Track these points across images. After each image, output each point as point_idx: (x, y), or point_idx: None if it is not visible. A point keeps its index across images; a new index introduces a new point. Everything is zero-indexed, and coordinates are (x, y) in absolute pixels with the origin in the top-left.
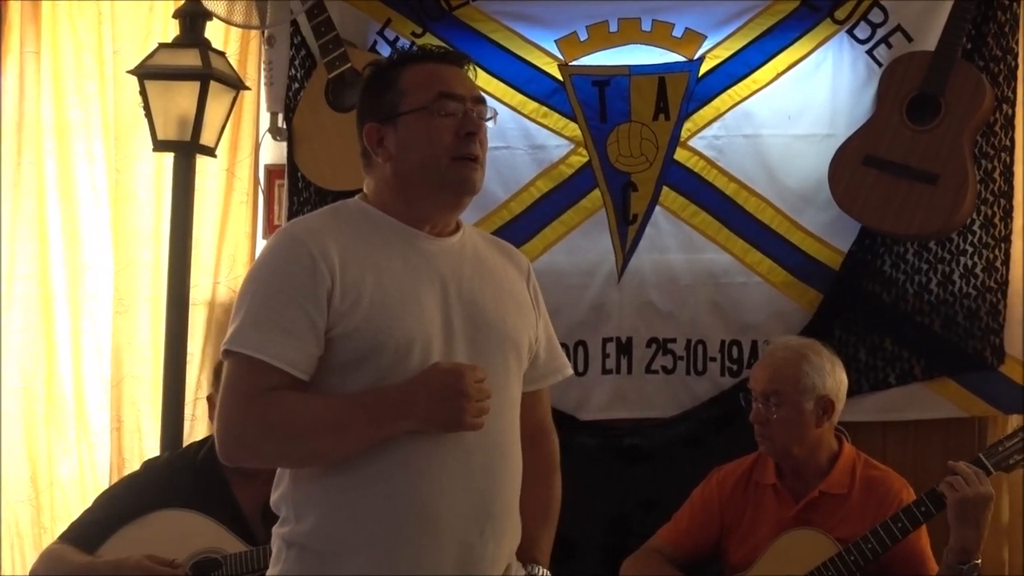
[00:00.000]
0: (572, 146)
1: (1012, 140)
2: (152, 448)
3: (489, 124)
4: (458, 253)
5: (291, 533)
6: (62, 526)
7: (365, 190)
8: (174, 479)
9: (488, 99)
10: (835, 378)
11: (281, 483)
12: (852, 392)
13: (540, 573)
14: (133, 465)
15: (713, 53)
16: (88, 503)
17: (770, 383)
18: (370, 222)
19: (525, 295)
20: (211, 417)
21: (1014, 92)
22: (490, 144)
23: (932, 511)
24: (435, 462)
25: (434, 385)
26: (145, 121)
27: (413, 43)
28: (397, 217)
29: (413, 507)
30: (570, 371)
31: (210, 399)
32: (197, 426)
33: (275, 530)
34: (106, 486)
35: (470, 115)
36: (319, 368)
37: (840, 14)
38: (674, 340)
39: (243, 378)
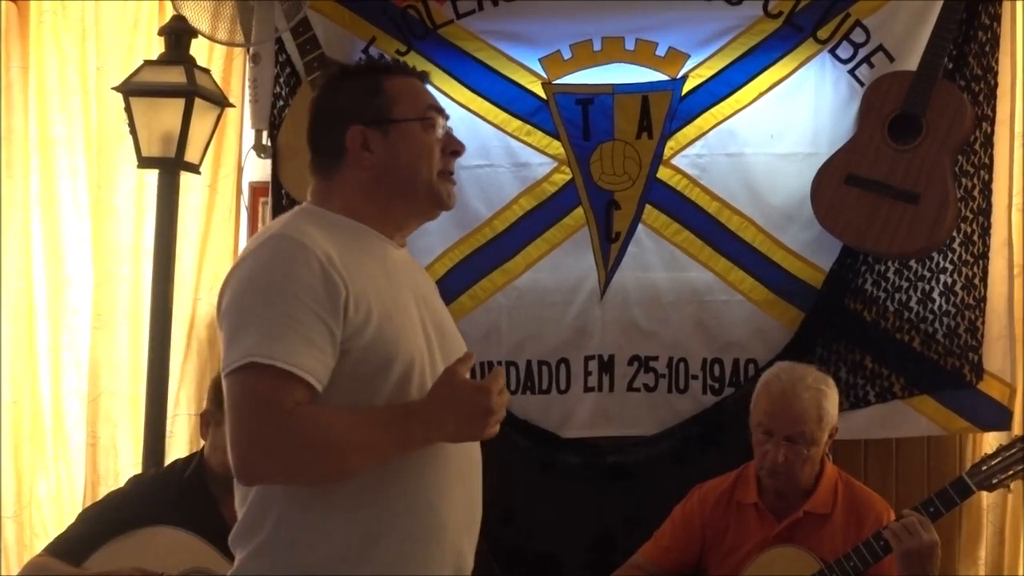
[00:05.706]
0: (555, 164)
1: (991, 158)
2: (127, 466)
3: None
4: (411, 263)
5: (298, 563)
6: (41, 544)
7: (318, 196)
8: (160, 496)
9: (472, 117)
10: (836, 404)
11: (272, 508)
12: None
13: None
14: (108, 483)
15: (696, 72)
16: (65, 521)
17: (797, 424)
18: (348, 230)
19: None
20: (203, 435)
21: (994, 111)
22: (474, 162)
23: (880, 553)
24: (441, 476)
25: (464, 403)
26: (127, 136)
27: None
28: (369, 225)
29: (431, 521)
30: None
31: (203, 416)
32: (175, 443)
33: (241, 552)
34: (82, 504)
35: (451, 134)
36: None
37: (823, 34)
38: (656, 358)
39: (270, 391)
